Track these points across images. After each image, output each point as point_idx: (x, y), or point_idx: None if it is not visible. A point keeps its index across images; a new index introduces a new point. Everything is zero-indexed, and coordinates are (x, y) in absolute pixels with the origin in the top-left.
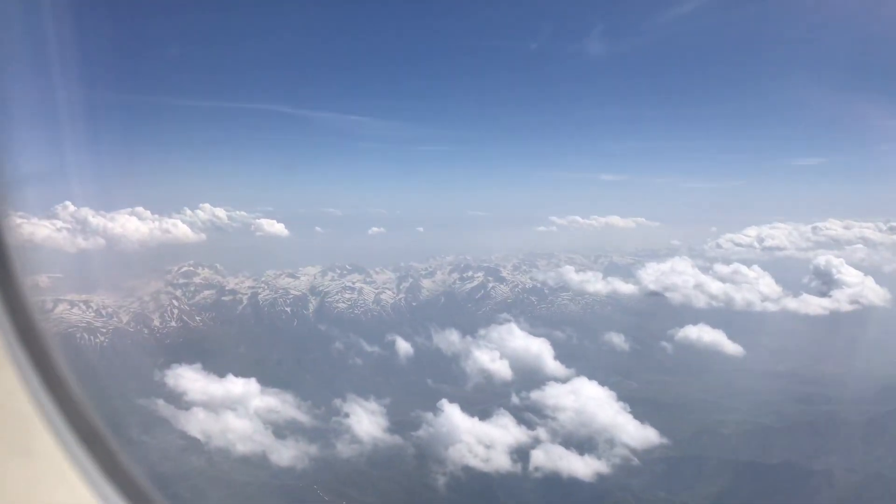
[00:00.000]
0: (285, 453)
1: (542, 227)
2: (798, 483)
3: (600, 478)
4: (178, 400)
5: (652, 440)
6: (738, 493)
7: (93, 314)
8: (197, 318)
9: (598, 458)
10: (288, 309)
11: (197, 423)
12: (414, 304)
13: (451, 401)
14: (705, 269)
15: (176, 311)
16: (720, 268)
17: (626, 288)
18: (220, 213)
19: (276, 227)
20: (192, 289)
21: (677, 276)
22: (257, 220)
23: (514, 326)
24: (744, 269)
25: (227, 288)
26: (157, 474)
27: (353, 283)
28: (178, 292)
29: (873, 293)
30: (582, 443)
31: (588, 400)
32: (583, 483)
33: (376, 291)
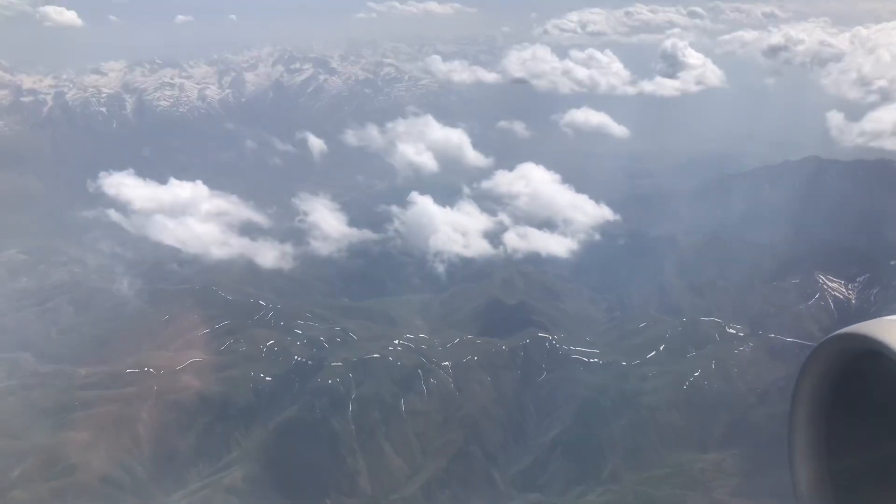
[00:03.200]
0: (267, 254)
1: (360, 14)
2: (645, 248)
3: (573, 254)
4: (126, 209)
5: (606, 216)
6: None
7: None
8: (0, 122)
9: (564, 235)
10: (103, 109)
11: (166, 231)
12: (242, 99)
13: (401, 191)
14: (562, 56)
15: None
16: (576, 54)
17: (489, 76)
18: None
19: (66, 17)
20: None
21: (541, 63)
22: (42, 8)
23: (430, 119)
24: (598, 54)
25: (23, 88)
26: (155, 290)
27: (171, 78)
28: None
29: (713, 74)
30: (543, 224)
31: (539, 184)
32: (559, 259)
33: (198, 87)
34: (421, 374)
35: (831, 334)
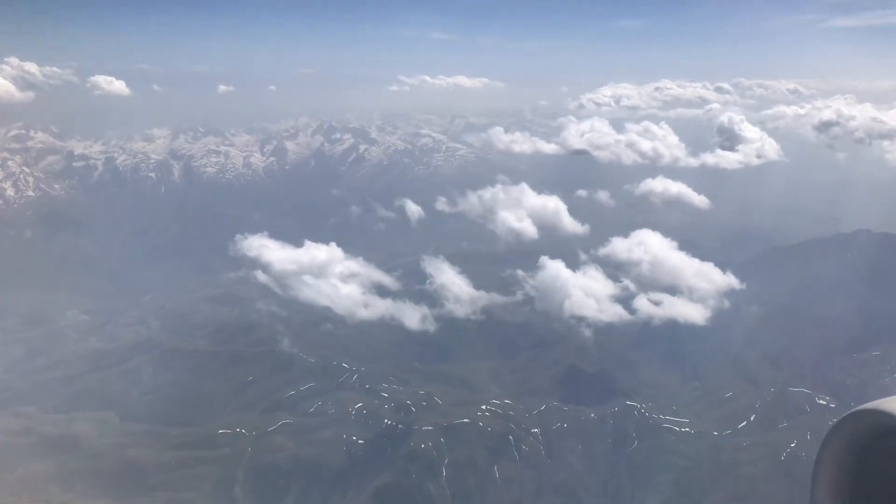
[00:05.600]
0: (412, 316)
1: (393, 87)
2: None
3: (710, 321)
4: (270, 270)
5: (732, 285)
6: None
7: None
8: (56, 185)
9: (692, 302)
10: (152, 174)
11: (315, 292)
12: (286, 167)
13: (507, 255)
14: (619, 129)
15: (31, 179)
16: (632, 126)
17: (547, 147)
18: (32, 68)
19: (115, 86)
20: (33, 154)
21: (604, 135)
22: (93, 78)
23: (525, 186)
24: (654, 127)
25: (75, 153)
26: (234, 352)
27: (216, 146)
28: (18, 158)
29: (771, 148)
30: (667, 290)
31: (658, 250)
32: (697, 327)
33: (243, 154)
34: (511, 440)
35: (849, 411)
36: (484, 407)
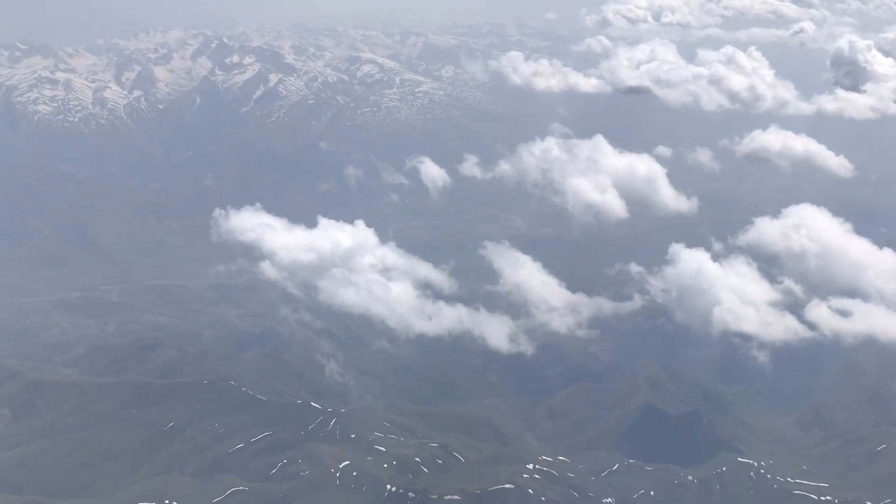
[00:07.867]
0: (496, 331)
1: None
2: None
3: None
4: (275, 258)
5: None
6: None
7: None
8: None
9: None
10: None
11: (357, 293)
12: (160, 106)
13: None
14: (689, 58)
15: None
16: (707, 55)
17: (585, 83)
18: None
19: None
20: None
21: (669, 67)
22: None
23: (602, 140)
24: (741, 55)
25: None
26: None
27: (51, 73)
28: None
29: None
30: (850, 295)
31: (829, 237)
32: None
33: (92, 86)
34: None
35: None
36: (530, 467)
